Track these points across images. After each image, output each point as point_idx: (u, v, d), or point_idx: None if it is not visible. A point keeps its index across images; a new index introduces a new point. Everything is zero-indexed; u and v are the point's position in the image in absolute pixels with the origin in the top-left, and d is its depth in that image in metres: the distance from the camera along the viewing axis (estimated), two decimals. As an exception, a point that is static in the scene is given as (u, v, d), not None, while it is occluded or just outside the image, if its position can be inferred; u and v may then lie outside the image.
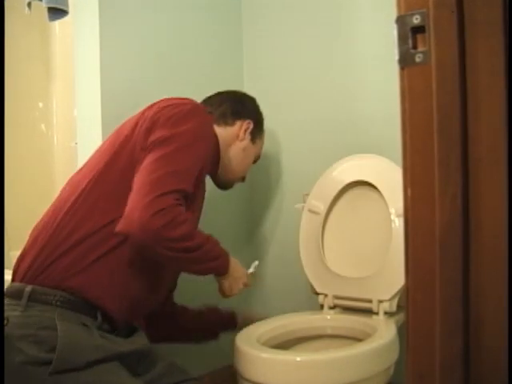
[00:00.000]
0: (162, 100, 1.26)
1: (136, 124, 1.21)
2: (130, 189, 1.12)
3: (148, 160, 1.13)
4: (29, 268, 1.13)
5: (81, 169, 1.27)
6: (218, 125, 1.39)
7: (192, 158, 1.17)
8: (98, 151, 1.27)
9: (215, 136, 1.31)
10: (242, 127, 1.42)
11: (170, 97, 1.29)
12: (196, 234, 1.16)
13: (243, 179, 1.51)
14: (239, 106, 1.44)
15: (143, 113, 1.24)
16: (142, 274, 1.18)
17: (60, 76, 2.41)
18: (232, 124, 1.41)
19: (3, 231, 1.14)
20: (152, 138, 1.16)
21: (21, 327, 1.05)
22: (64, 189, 1.25)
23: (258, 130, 1.47)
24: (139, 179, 1.11)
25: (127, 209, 1.08)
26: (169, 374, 1.24)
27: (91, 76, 1.52)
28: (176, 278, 1.39)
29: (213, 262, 1.20)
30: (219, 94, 1.47)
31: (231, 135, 1.41)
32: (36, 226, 1.21)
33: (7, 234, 1.33)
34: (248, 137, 1.44)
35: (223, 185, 1.48)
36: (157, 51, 1.66)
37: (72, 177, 1.27)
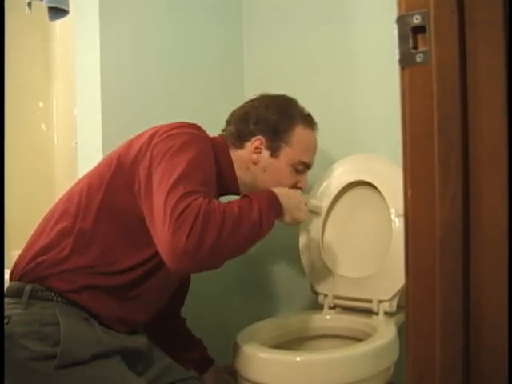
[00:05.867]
0: (160, 129, 1.17)
1: (136, 160, 1.13)
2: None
3: (154, 184, 1.07)
4: (27, 267, 1.13)
5: (78, 182, 1.23)
6: (230, 148, 1.29)
7: (188, 163, 1.09)
8: (98, 169, 1.21)
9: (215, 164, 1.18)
10: (251, 148, 1.28)
11: (169, 123, 1.20)
12: (225, 220, 1.04)
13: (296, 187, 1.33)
14: (243, 126, 1.29)
15: (144, 148, 1.14)
16: (128, 300, 1.16)
17: (60, 76, 2.41)
18: (242, 147, 1.29)
19: (3, 231, 1.13)
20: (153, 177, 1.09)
21: (23, 325, 1.05)
22: (61, 200, 1.21)
23: (276, 139, 1.28)
24: (157, 202, 1.05)
25: (158, 244, 1.04)
26: (168, 373, 1.24)
27: (91, 76, 1.52)
28: (167, 298, 1.29)
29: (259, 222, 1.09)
30: (235, 110, 1.34)
31: (244, 158, 1.29)
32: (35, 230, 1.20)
33: (7, 233, 1.33)
34: (265, 153, 1.28)
35: None
36: (157, 51, 1.66)
37: (70, 189, 1.23)
